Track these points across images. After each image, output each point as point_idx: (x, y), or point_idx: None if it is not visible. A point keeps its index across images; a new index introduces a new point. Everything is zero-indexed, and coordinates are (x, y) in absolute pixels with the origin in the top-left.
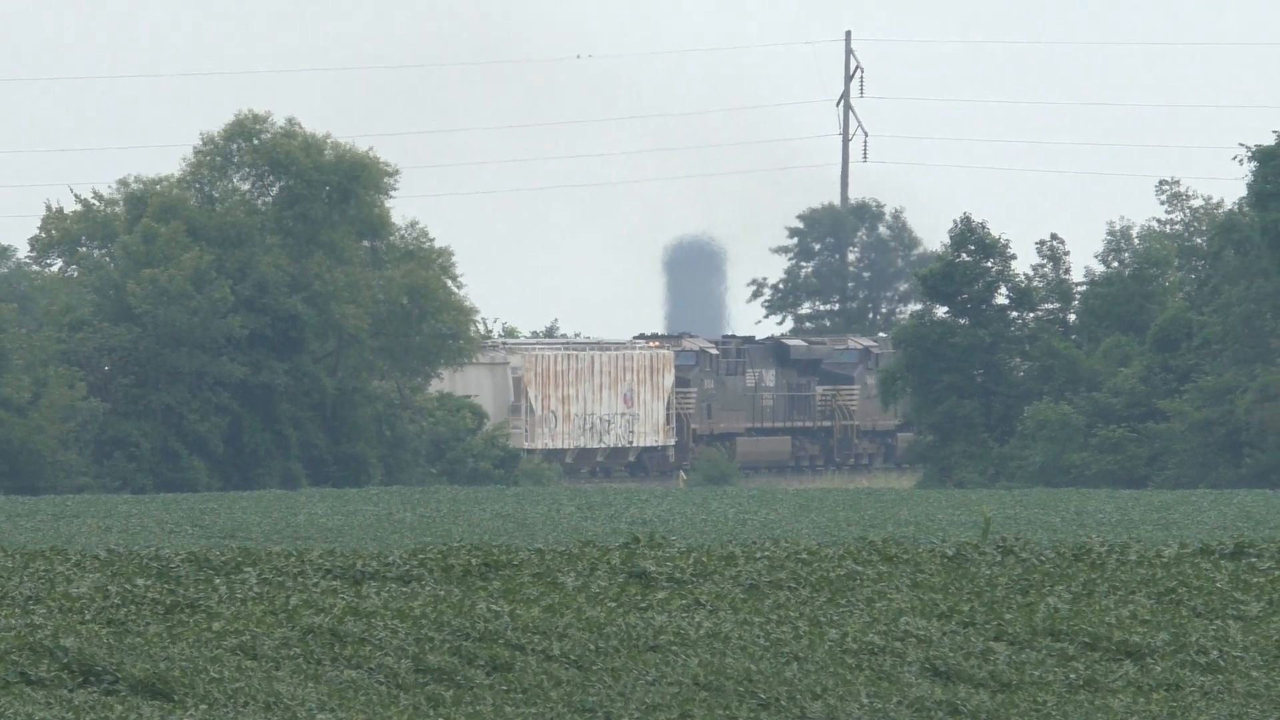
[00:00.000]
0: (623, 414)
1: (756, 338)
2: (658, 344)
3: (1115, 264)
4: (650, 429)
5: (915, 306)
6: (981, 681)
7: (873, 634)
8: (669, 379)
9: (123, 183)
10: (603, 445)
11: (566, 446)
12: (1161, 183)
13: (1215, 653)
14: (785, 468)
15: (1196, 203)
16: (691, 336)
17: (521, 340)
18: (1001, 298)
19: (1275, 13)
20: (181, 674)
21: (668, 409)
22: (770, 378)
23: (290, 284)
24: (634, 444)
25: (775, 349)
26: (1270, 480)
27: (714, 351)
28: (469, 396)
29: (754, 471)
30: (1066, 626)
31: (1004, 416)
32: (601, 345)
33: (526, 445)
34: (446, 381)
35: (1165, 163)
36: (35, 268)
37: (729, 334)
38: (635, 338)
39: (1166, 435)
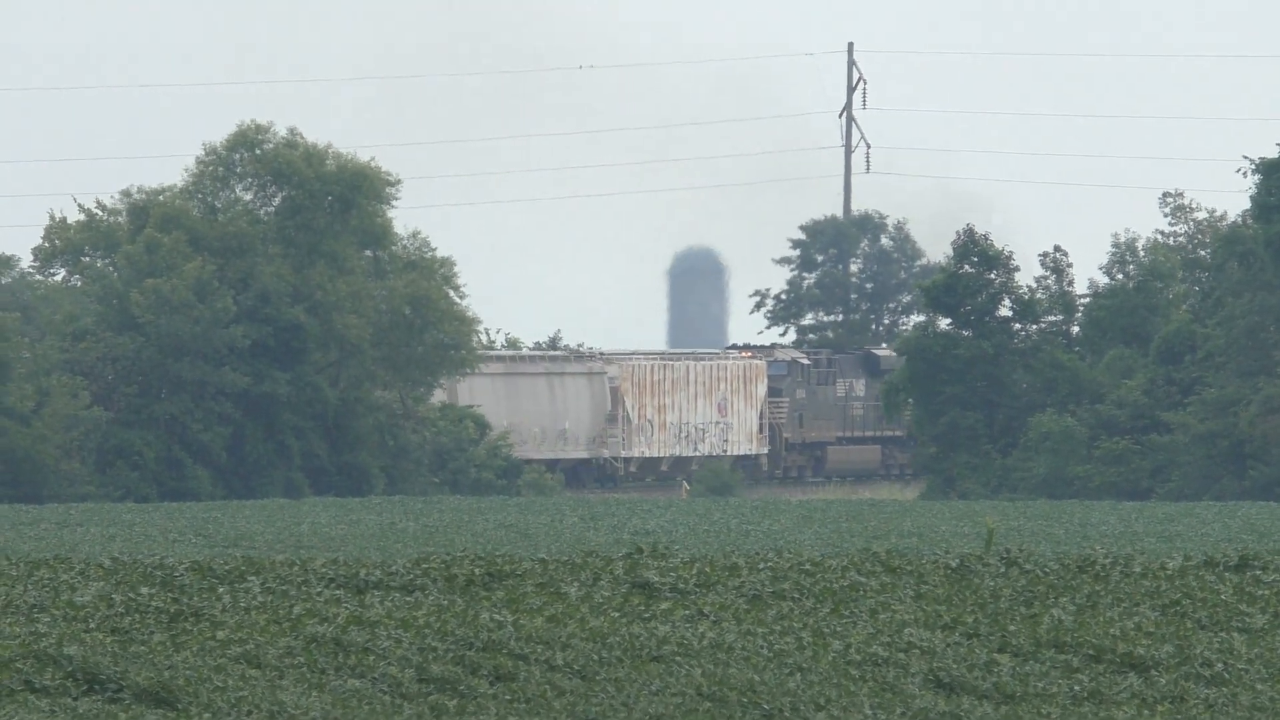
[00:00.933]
0: (717, 423)
1: (847, 349)
2: (750, 354)
3: (1119, 276)
4: (744, 438)
5: (918, 318)
6: (985, 693)
7: (876, 645)
8: (762, 389)
9: (125, 193)
10: (697, 454)
11: (662, 455)
12: (1165, 195)
13: (1220, 665)
14: (875, 476)
15: (1200, 215)
16: (783, 347)
17: (618, 351)
18: (1005, 310)
19: (1279, 25)
20: (185, 683)
21: (760, 418)
22: (860, 387)
23: (292, 294)
24: (728, 452)
25: (865, 359)
26: (1274, 493)
27: (805, 362)
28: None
29: (844, 480)
30: (1071, 638)
31: (1007, 428)
32: (696, 355)
33: (624, 454)
34: (545, 390)
35: (1169, 175)
36: (39, 277)
37: (820, 345)
38: (728, 348)
39: (1170, 447)
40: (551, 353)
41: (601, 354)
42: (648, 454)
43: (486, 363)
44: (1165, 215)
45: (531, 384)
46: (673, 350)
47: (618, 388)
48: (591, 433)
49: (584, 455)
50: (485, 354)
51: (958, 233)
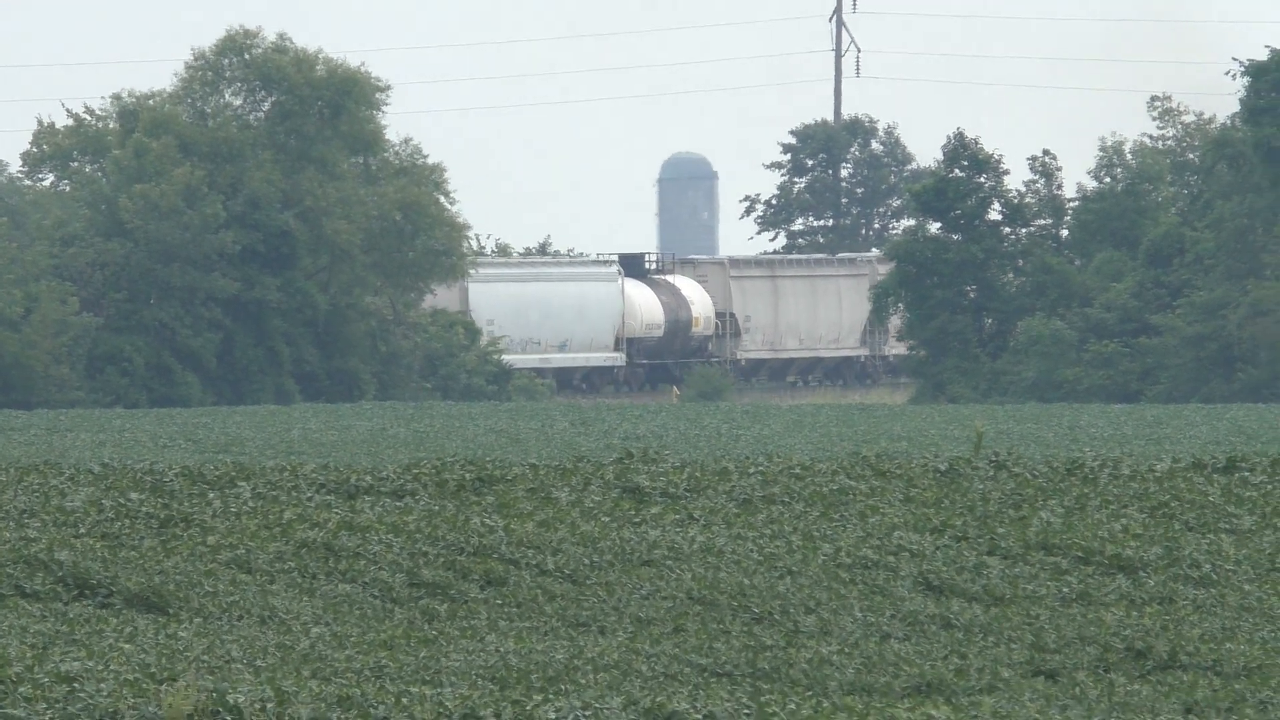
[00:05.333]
0: None
1: None
2: None
3: (1108, 180)
4: None
5: (908, 223)
6: (974, 595)
7: (866, 548)
8: None
9: (115, 97)
10: None
11: None
12: (1153, 98)
13: (1207, 566)
14: None
15: (1188, 118)
16: None
17: None
18: (994, 214)
19: None
20: (176, 588)
21: None
22: None
23: (282, 200)
24: None
25: None
26: (1262, 394)
27: None
28: None
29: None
30: (1059, 541)
31: (997, 332)
32: None
33: None
34: None
35: (1157, 78)
36: (27, 182)
37: None
38: None
39: (1159, 350)
40: None
41: None
42: None
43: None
44: (1153, 119)
45: None
46: None
47: None
48: None
49: None
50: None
51: (948, 137)
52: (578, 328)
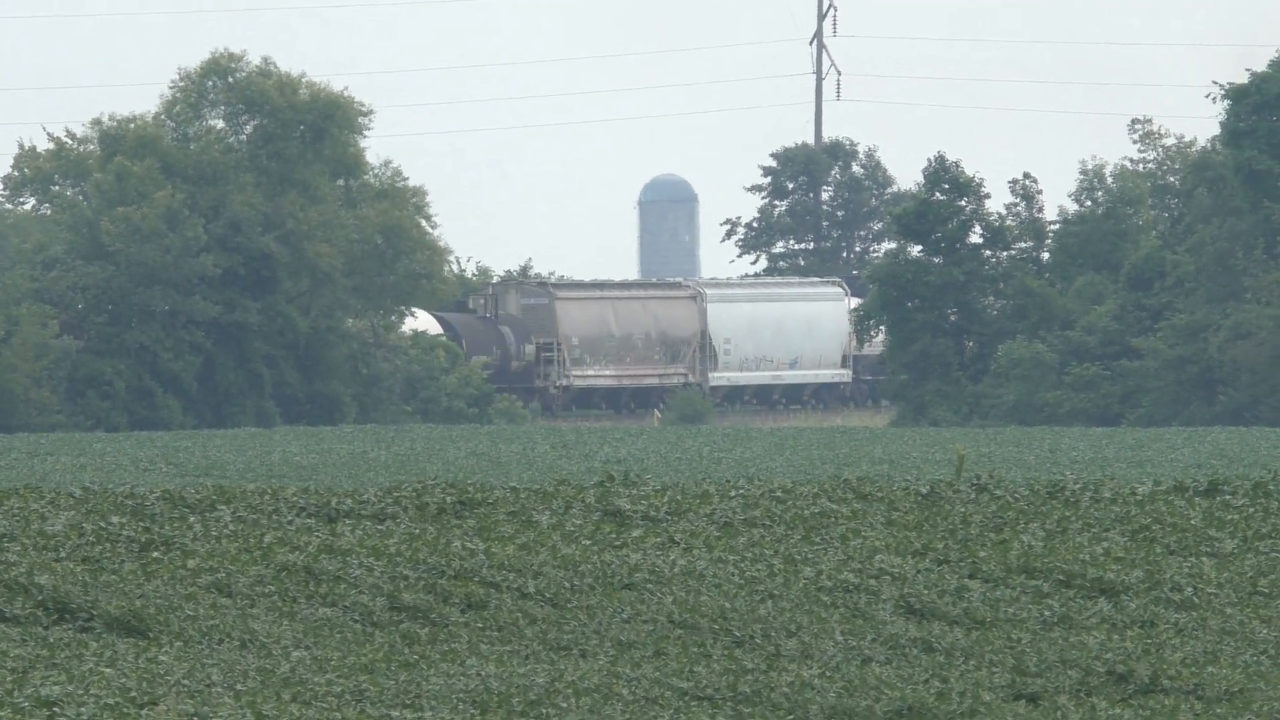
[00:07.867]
0: None
1: None
2: None
3: (1088, 203)
4: None
5: (889, 245)
6: (956, 619)
7: (847, 572)
8: None
9: (96, 121)
10: None
11: None
12: (1134, 121)
13: (1189, 590)
14: None
15: (1169, 141)
16: None
17: None
18: (975, 236)
19: None
20: (157, 611)
21: None
22: None
23: (264, 223)
24: None
25: None
26: (1243, 418)
27: None
28: None
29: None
30: (1041, 564)
31: (978, 355)
32: None
33: None
34: None
35: (1137, 101)
36: (8, 206)
37: None
38: None
39: (1140, 373)
40: None
41: None
42: None
43: None
44: (1134, 142)
45: None
46: None
47: None
48: None
49: None
50: None
51: (928, 159)
52: (807, 346)
